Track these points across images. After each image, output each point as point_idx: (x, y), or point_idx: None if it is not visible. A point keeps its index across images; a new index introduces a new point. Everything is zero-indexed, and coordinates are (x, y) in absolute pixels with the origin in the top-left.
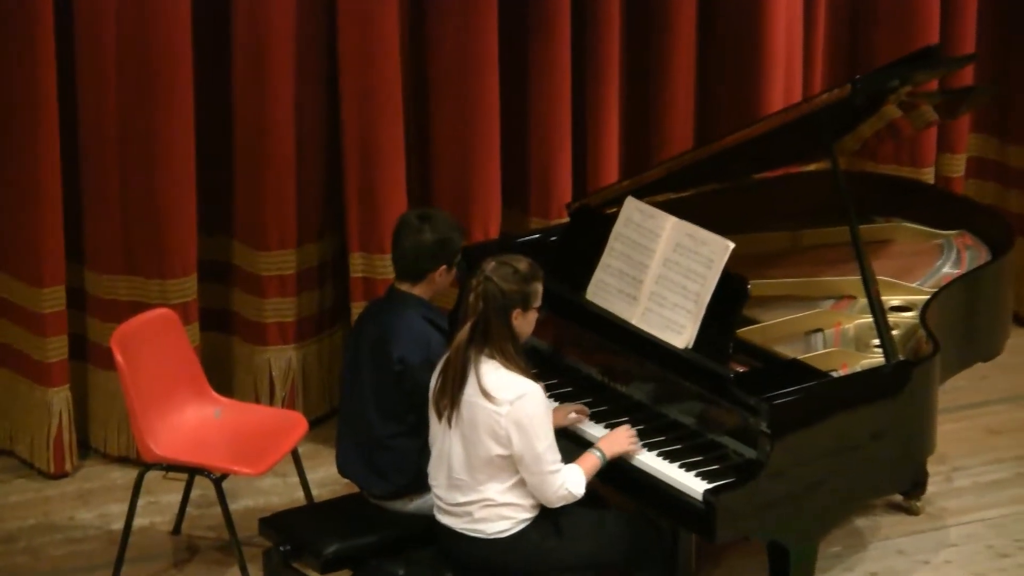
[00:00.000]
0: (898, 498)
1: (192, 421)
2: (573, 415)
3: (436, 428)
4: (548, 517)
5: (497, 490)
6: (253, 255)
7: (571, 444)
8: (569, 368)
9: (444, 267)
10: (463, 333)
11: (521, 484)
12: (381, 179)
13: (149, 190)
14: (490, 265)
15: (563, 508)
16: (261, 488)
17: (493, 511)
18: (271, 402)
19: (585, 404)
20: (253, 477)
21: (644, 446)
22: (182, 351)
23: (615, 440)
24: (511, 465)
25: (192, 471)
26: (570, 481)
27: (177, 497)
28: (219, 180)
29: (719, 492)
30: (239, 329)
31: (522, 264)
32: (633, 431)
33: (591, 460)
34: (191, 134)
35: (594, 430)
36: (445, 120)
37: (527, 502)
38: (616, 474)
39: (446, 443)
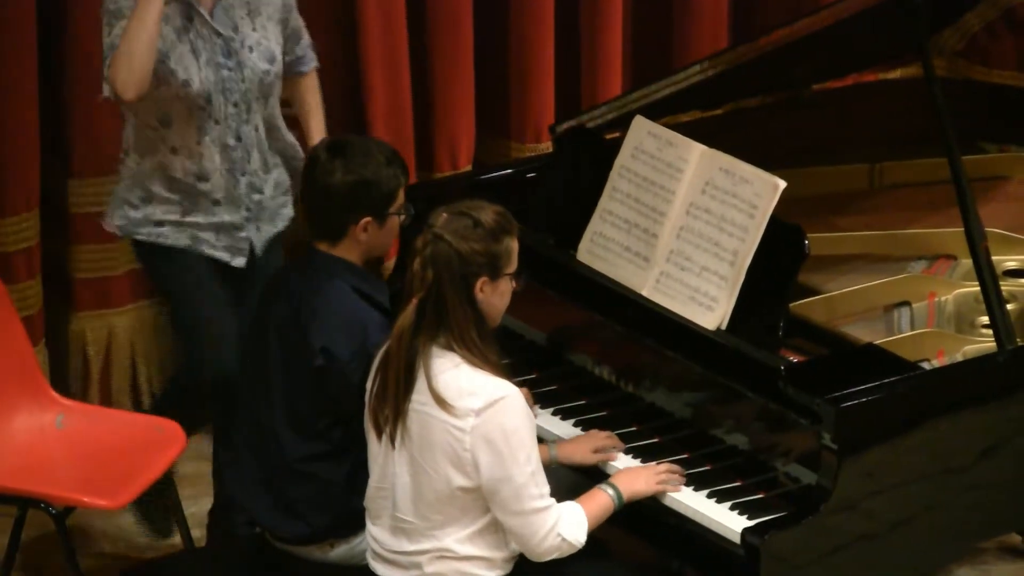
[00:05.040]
0: (1017, 540)
1: (24, 432)
2: (602, 451)
3: (375, 449)
4: (529, 574)
5: (457, 537)
6: None
7: (568, 473)
8: (552, 358)
9: (369, 219)
10: (407, 315)
11: (492, 529)
12: None
13: None
14: (441, 217)
15: (553, 563)
16: (122, 527)
17: (451, 566)
18: None
19: (576, 408)
20: (111, 512)
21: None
22: (8, 330)
23: (639, 477)
24: (479, 502)
25: (24, 502)
26: (566, 523)
27: (2, 540)
28: None
29: (764, 532)
30: None
31: (487, 214)
32: (661, 467)
33: (600, 500)
34: None
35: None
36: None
37: (499, 554)
38: (621, 510)
39: (389, 470)
